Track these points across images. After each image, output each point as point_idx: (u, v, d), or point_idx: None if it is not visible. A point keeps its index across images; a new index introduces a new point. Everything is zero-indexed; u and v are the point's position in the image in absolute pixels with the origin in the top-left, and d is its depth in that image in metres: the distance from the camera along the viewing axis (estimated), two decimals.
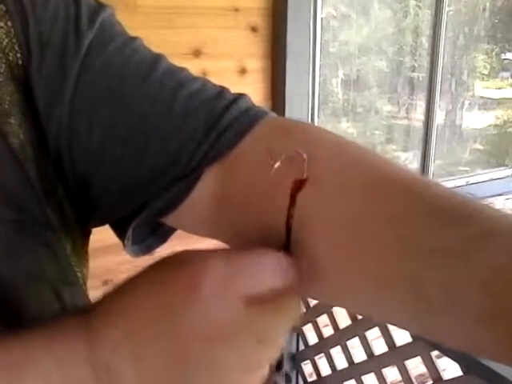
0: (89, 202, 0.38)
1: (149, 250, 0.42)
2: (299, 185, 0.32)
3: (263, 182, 0.34)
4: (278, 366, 1.95)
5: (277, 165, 0.33)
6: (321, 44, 1.82)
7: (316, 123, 1.88)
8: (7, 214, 0.33)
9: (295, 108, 1.69)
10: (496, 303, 0.24)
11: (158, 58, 0.39)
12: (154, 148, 0.36)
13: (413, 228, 0.28)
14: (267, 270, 0.30)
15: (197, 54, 1.53)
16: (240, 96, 0.38)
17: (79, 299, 0.39)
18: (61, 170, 0.37)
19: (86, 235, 0.42)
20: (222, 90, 0.39)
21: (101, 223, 0.41)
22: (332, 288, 0.33)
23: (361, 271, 0.30)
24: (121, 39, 0.38)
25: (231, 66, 1.61)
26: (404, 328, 0.32)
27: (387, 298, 0.30)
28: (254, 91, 1.64)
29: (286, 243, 0.32)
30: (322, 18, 1.83)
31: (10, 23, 0.34)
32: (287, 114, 1.67)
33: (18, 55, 0.34)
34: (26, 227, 0.34)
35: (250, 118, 0.37)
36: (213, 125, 0.36)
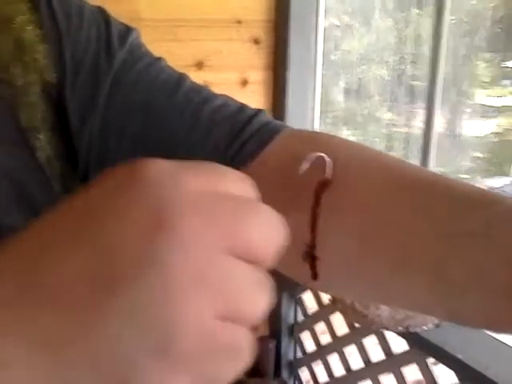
0: None
1: None
2: (324, 185, 0.34)
3: (287, 184, 0.36)
4: (276, 372, 1.96)
5: (304, 166, 0.34)
6: (323, 54, 1.84)
7: None
8: None
9: (297, 118, 1.71)
10: None
11: (182, 77, 0.42)
12: (180, 160, 0.39)
13: (436, 215, 0.30)
14: (224, 172, 0.23)
15: (199, 65, 1.55)
16: (260, 111, 0.41)
17: None
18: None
19: None
20: (243, 106, 0.42)
21: None
22: (356, 282, 0.35)
23: (386, 258, 0.32)
24: (147, 59, 0.41)
25: (233, 77, 1.64)
26: (427, 312, 0.33)
27: (411, 282, 0.31)
28: (256, 102, 1.65)
29: (312, 243, 0.34)
30: (324, 28, 1.84)
31: (46, 46, 0.37)
32: (288, 124, 1.67)
33: (53, 75, 0.37)
34: None
35: (270, 129, 0.40)
36: (236, 136, 0.39)
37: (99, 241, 0.20)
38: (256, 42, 1.63)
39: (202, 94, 0.41)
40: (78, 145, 0.38)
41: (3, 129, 0.36)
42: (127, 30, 0.41)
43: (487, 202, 0.29)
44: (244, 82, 1.65)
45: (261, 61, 1.66)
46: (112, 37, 0.40)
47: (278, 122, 0.42)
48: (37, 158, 0.37)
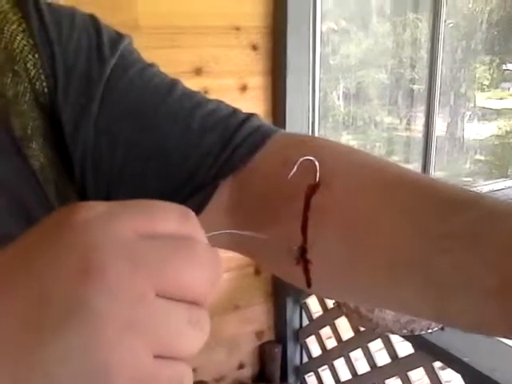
0: None
1: None
2: (313, 189, 0.34)
3: (278, 190, 0.37)
4: (282, 378, 1.95)
5: (293, 171, 0.34)
6: (320, 59, 1.85)
7: None
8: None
9: (296, 123, 1.71)
10: (504, 280, 0.25)
11: (175, 82, 0.42)
12: (174, 164, 0.39)
13: (422, 217, 0.30)
14: (159, 211, 0.23)
15: (198, 72, 1.56)
16: (252, 115, 0.42)
17: None
18: (83, 190, 0.39)
19: None
20: (235, 110, 0.42)
21: None
22: (347, 285, 0.35)
23: (373, 262, 0.32)
24: (140, 65, 0.41)
25: (232, 83, 1.64)
26: (416, 314, 0.33)
27: (400, 285, 0.31)
28: (255, 108, 1.66)
29: (303, 246, 0.34)
30: (322, 33, 1.85)
31: (37, 55, 0.37)
32: (288, 129, 1.69)
33: (44, 84, 0.38)
34: None
35: (262, 133, 0.40)
36: (228, 140, 0.39)
37: (33, 289, 0.20)
38: (254, 48, 1.64)
39: (194, 99, 0.41)
40: (73, 152, 0.38)
41: None
42: (118, 37, 0.41)
43: (471, 203, 0.29)
44: (243, 88, 1.66)
45: (259, 66, 1.67)
46: (103, 44, 0.40)
47: (270, 125, 0.42)
48: (30, 165, 0.37)
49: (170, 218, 0.23)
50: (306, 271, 0.35)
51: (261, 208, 0.38)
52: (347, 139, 2.42)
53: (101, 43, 0.40)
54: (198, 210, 0.39)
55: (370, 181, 0.34)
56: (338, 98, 2.34)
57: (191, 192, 0.39)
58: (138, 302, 0.20)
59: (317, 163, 0.34)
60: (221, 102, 0.43)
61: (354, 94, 2.39)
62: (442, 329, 1.30)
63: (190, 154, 0.39)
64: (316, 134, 1.89)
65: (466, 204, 0.29)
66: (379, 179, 0.34)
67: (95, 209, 0.22)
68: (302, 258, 0.34)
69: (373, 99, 2.45)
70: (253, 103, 1.67)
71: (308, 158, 0.34)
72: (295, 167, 0.34)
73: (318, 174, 0.34)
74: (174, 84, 0.42)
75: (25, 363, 0.19)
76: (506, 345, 1.22)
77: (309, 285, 0.35)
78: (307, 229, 0.34)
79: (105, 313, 0.20)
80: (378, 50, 2.42)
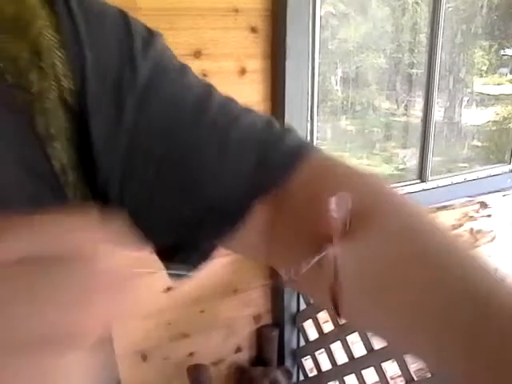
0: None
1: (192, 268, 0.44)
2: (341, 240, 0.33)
3: (310, 220, 0.36)
4: (279, 361, 1.97)
5: (331, 206, 0.33)
6: (320, 43, 1.84)
7: (315, 121, 1.89)
8: None
9: (295, 107, 1.70)
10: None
11: (208, 92, 0.41)
12: (206, 189, 0.39)
13: (439, 305, 0.31)
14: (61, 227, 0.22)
15: (197, 55, 1.55)
16: (286, 131, 0.41)
17: None
18: (104, 198, 0.39)
19: None
20: (269, 123, 0.41)
21: None
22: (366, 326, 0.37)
23: (392, 319, 0.34)
24: (173, 74, 0.40)
25: (231, 66, 1.63)
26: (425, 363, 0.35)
27: (414, 342, 0.34)
28: (254, 91, 1.64)
29: (335, 281, 0.33)
30: (320, 17, 1.84)
31: (64, 52, 0.36)
32: (287, 113, 1.68)
33: (71, 82, 0.36)
34: None
35: (297, 156, 0.40)
36: (263, 163, 0.39)
37: None
38: (253, 30, 1.62)
39: (229, 115, 0.41)
40: (100, 160, 0.38)
41: (19, 135, 0.35)
42: (150, 37, 0.40)
43: (481, 300, 0.30)
44: (242, 71, 1.64)
45: (258, 49, 1.66)
46: (135, 48, 0.38)
47: (305, 143, 0.41)
48: (52, 166, 0.36)
49: (69, 234, 0.22)
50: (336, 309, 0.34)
51: (293, 237, 0.38)
52: (345, 124, 2.41)
53: (133, 46, 0.38)
54: (229, 236, 0.39)
55: (400, 242, 0.34)
56: (337, 83, 2.33)
57: (222, 218, 0.39)
58: None
59: (348, 215, 0.33)
60: (252, 111, 0.42)
61: (353, 78, 2.37)
62: None
63: (223, 180, 0.39)
64: (315, 118, 1.88)
65: (475, 300, 0.30)
66: (410, 248, 0.34)
67: None
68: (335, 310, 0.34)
69: (371, 84, 2.44)
70: (251, 87, 1.65)
71: (344, 195, 0.33)
72: (332, 204, 0.33)
73: (348, 224, 0.34)
74: (208, 96, 0.41)
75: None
76: None
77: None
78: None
79: None
80: (376, 34, 2.40)
